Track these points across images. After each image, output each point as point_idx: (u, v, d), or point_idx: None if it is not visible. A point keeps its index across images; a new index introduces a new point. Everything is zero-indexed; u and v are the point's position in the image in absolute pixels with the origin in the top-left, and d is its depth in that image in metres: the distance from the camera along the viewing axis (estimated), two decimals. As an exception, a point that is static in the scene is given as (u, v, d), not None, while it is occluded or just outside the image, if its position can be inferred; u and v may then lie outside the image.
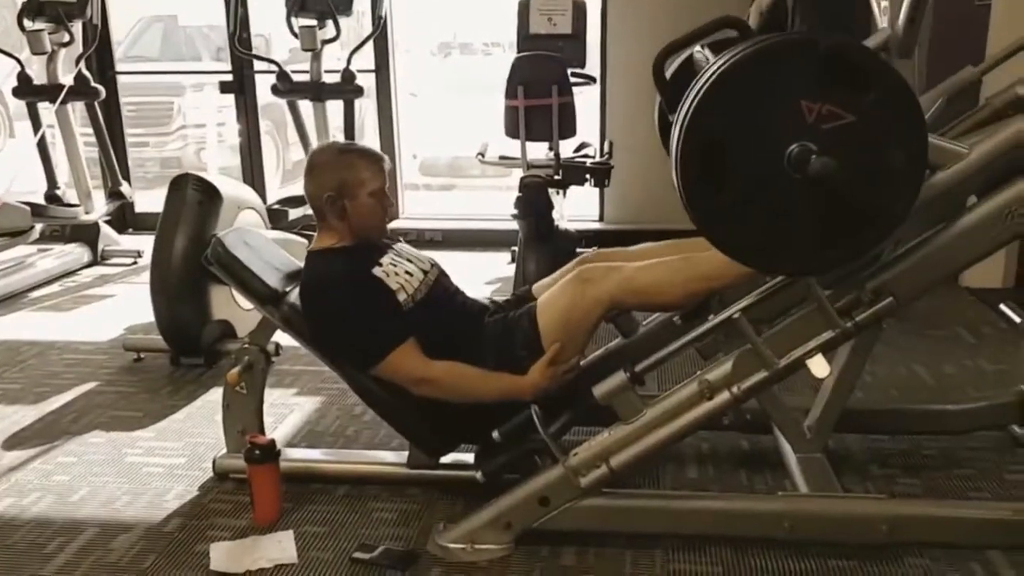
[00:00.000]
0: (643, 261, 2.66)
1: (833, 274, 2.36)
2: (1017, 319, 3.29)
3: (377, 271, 2.66)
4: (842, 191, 2.03)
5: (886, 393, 3.52)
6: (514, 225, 4.49)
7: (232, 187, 4.14)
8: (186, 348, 3.93)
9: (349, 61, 5.35)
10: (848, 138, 2.01)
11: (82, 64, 5.54)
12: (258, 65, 6.18)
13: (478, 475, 2.63)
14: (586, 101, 5.43)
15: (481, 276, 5.26)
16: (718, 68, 2.05)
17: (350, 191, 2.67)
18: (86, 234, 5.83)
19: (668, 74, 2.61)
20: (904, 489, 2.80)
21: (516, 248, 4.65)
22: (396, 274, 2.68)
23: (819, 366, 2.35)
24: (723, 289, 2.57)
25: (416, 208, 6.82)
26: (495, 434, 2.55)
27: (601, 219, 6.15)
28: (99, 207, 5.86)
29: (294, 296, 2.77)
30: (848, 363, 2.59)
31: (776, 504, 2.49)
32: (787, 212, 2.09)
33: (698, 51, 2.68)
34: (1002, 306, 3.54)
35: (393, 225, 5.96)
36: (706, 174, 2.08)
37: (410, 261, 2.78)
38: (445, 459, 2.84)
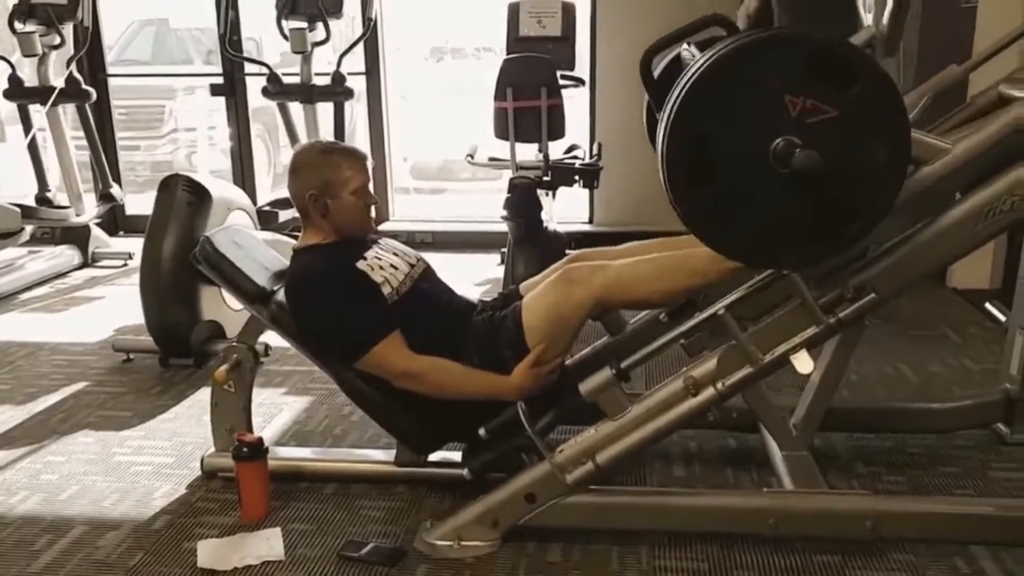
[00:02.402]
0: (629, 259, 2.67)
1: (817, 271, 2.38)
2: (1002, 318, 3.30)
3: (361, 264, 2.67)
4: (826, 185, 2.05)
5: (872, 392, 3.53)
6: (504, 227, 4.50)
7: (222, 188, 4.14)
8: (175, 349, 3.93)
9: (339, 63, 5.36)
10: (832, 132, 2.02)
11: (73, 66, 5.54)
12: (249, 68, 6.20)
13: (465, 472, 2.64)
14: (576, 103, 5.45)
15: (471, 277, 5.27)
16: (703, 64, 2.07)
17: (333, 190, 2.68)
18: (77, 236, 5.83)
19: (656, 73, 2.63)
20: (889, 487, 2.82)
21: (505, 249, 4.66)
22: (380, 267, 2.69)
23: (803, 362, 2.36)
24: (709, 286, 2.59)
25: (406, 211, 6.83)
26: (482, 431, 2.56)
27: (591, 221, 6.17)
28: (90, 209, 5.86)
29: (282, 295, 2.78)
30: (833, 361, 2.61)
31: (761, 501, 2.50)
32: (772, 206, 2.11)
33: (685, 49, 2.69)
34: (988, 305, 3.56)
35: (384, 227, 6.05)
36: (691, 169, 2.09)
37: (395, 255, 2.80)
38: (432, 457, 2.85)
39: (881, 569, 2.39)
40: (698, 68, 2.08)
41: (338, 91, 5.36)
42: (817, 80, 2.02)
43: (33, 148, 5.71)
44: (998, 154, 2.30)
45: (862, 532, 2.38)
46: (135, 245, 4.78)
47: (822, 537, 2.48)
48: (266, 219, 4.92)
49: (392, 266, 2.73)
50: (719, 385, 2.39)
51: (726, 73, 2.05)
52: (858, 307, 2.32)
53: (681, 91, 2.08)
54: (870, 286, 2.33)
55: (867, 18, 2.73)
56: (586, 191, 5.57)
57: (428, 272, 2.87)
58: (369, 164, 2.77)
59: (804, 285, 2.32)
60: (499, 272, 5.19)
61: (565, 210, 5.74)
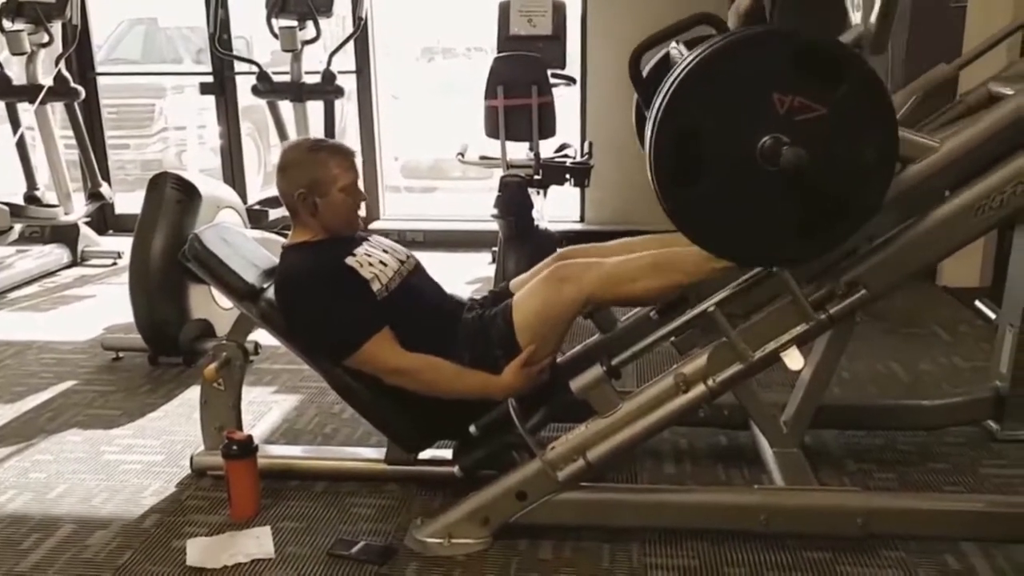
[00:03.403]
0: (618, 256, 2.67)
1: (808, 268, 2.38)
2: (992, 316, 3.31)
3: (350, 261, 2.66)
4: (814, 183, 2.05)
5: (863, 389, 3.54)
6: (495, 226, 4.49)
7: (211, 186, 4.13)
8: (165, 347, 3.91)
9: (329, 62, 5.37)
10: (820, 130, 2.03)
11: (61, 65, 5.52)
12: (239, 66, 6.18)
13: (456, 470, 2.64)
14: (566, 102, 5.45)
15: (462, 276, 5.26)
16: (692, 61, 2.07)
17: (321, 188, 2.68)
18: (66, 235, 5.80)
19: (645, 71, 2.63)
20: (880, 483, 2.82)
21: (496, 248, 4.65)
22: (370, 264, 2.68)
23: (794, 359, 2.36)
24: (698, 284, 2.59)
25: (397, 209, 6.82)
26: (472, 429, 2.56)
27: (582, 220, 6.17)
28: (79, 208, 5.84)
29: (271, 292, 2.77)
30: (823, 358, 2.61)
31: (752, 497, 2.51)
32: (760, 204, 2.11)
33: (674, 47, 2.69)
34: (978, 303, 3.57)
35: (374, 226, 6.04)
36: (680, 166, 2.09)
37: (385, 252, 2.79)
38: (423, 455, 2.84)
39: (872, 566, 2.39)
40: (686, 65, 2.08)
41: (328, 90, 5.36)
42: (806, 78, 2.02)
43: (22, 146, 5.69)
44: (989, 150, 2.31)
45: (853, 529, 2.38)
46: (124, 244, 4.76)
47: (813, 534, 2.48)
48: (256, 217, 4.91)
49: (382, 263, 2.72)
50: (710, 382, 2.39)
51: (714, 70, 2.06)
52: (849, 303, 2.32)
53: (669, 88, 2.08)
54: (861, 282, 2.33)
55: (855, 17, 2.73)
56: (577, 189, 5.56)
57: (418, 269, 2.87)
58: (357, 161, 2.77)
59: (794, 282, 2.32)
60: (490, 271, 5.19)
61: (556, 209, 5.74)
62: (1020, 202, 2.27)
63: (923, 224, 2.32)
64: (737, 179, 2.08)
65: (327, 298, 2.60)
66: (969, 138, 2.31)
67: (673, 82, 2.08)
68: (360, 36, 5.79)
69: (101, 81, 6.65)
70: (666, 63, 2.71)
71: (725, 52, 2.06)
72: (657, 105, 2.10)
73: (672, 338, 2.50)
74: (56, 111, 5.75)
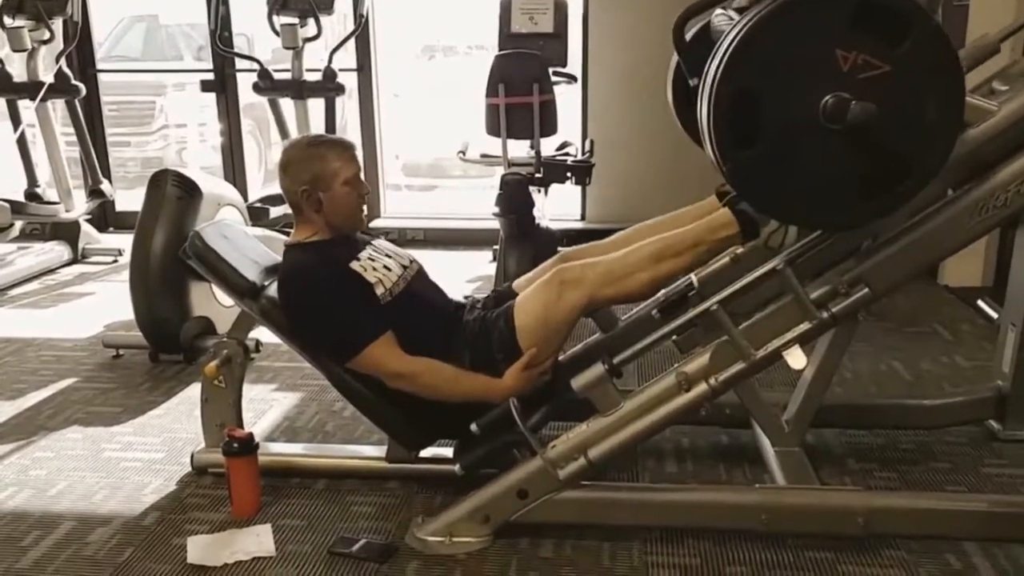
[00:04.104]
0: (617, 252, 2.66)
1: (810, 268, 2.38)
2: (994, 315, 3.31)
3: (355, 265, 2.66)
4: (878, 141, 2.03)
5: (864, 389, 3.54)
6: (495, 224, 4.49)
7: (212, 184, 4.12)
8: (165, 344, 3.91)
9: (330, 59, 5.37)
10: (884, 88, 2.00)
11: (62, 61, 5.51)
12: (240, 64, 6.17)
13: (457, 468, 2.63)
14: (568, 100, 5.44)
15: (463, 275, 5.26)
16: (750, 20, 2.04)
17: (324, 182, 2.67)
18: (66, 232, 5.80)
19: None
20: (881, 483, 2.82)
21: (497, 246, 4.65)
22: (374, 268, 2.67)
23: (796, 358, 2.36)
24: (697, 264, 2.58)
25: (398, 208, 6.81)
26: (473, 427, 2.55)
27: (583, 218, 6.16)
28: (79, 205, 5.83)
29: (273, 290, 2.76)
30: (825, 358, 2.60)
31: (753, 496, 2.50)
32: (822, 165, 2.09)
33: (719, 12, 2.65)
34: (980, 302, 3.56)
35: (375, 224, 6.04)
36: (739, 128, 2.07)
37: (389, 256, 2.78)
38: (424, 453, 2.84)
39: (873, 565, 2.39)
40: (744, 24, 2.05)
41: (329, 87, 5.36)
42: (869, 34, 1.99)
43: (22, 143, 5.68)
44: (992, 150, 2.30)
45: (854, 528, 2.38)
46: (125, 241, 4.75)
47: (814, 533, 2.48)
48: (256, 215, 4.91)
49: (385, 267, 2.71)
50: (712, 381, 2.39)
51: (774, 28, 2.03)
52: (852, 302, 2.32)
53: (727, 49, 2.05)
54: (863, 281, 2.32)
55: None
56: (578, 188, 5.55)
57: (421, 274, 2.86)
58: (358, 153, 2.76)
59: (797, 280, 2.32)
60: (491, 269, 5.18)
61: (557, 207, 5.73)
62: (1023, 201, 2.27)
63: (926, 223, 2.32)
64: (799, 140, 2.06)
65: (331, 301, 2.59)
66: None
67: (731, 43, 2.05)
68: (361, 34, 5.78)
69: (102, 78, 6.64)
70: (707, 31, 2.67)
71: (785, 9, 2.02)
72: (713, 68, 2.07)
73: (674, 337, 2.49)
74: (57, 108, 5.74)
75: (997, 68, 2.88)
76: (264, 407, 3.47)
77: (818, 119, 2.02)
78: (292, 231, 2.80)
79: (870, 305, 2.36)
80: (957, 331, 4.11)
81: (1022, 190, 2.26)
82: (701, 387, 2.40)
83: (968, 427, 3.10)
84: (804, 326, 2.34)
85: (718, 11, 2.60)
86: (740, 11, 2.36)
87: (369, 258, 2.72)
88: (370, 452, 2.99)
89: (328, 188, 2.67)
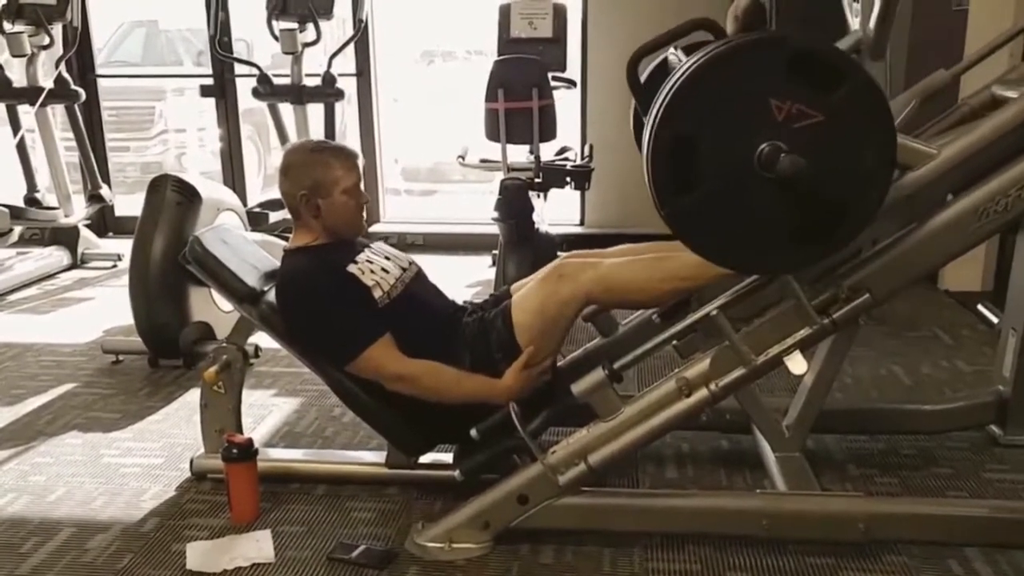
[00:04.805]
0: (619, 259, 2.67)
1: (813, 272, 2.37)
2: (995, 320, 3.31)
3: (352, 268, 2.66)
4: (812, 189, 2.04)
5: (865, 394, 3.53)
6: (495, 229, 4.49)
7: (212, 189, 4.12)
8: (165, 350, 3.91)
9: (329, 64, 5.36)
10: (817, 137, 2.02)
11: (62, 67, 5.51)
12: (239, 69, 6.17)
13: (456, 474, 2.62)
14: (567, 105, 5.44)
15: (462, 279, 5.26)
16: (689, 67, 2.06)
17: (324, 189, 2.67)
18: (66, 237, 5.79)
19: (643, 76, 2.62)
20: (882, 488, 2.81)
21: (497, 251, 4.65)
22: (372, 271, 2.67)
23: (797, 363, 2.35)
24: (698, 289, 2.58)
25: (397, 212, 6.81)
26: (473, 433, 2.54)
27: (582, 223, 6.17)
28: (79, 210, 5.83)
29: (272, 295, 2.76)
30: (826, 363, 2.60)
31: (754, 502, 2.50)
32: (758, 211, 2.10)
33: (672, 53, 2.68)
34: (980, 307, 3.56)
35: (374, 228, 6.04)
36: (677, 173, 2.08)
37: (387, 259, 2.78)
38: (423, 459, 2.84)
39: (874, 571, 2.38)
40: (684, 71, 2.07)
41: (329, 92, 5.36)
42: (802, 84, 2.01)
43: (22, 149, 5.68)
44: (990, 156, 2.30)
45: (855, 534, 2.38)
46: (124, 246, 4.75)
47: (815, 539, 2.47)
48: (256, 220, 4.91)
49: (383, 270, 2.71)
50: (712, 386, 2.38)
51: (711, 76, 2.05)
52: (852, 308, 2.31)
53: (666, 95, 2.07)
54: (864, 286, 2.32)
55: (854, 23, 2.72)
56: (577, 193, 5.55)
57: (420, 276, 2.86)
58: (360, 163, 2.76)
59: (798, 286, 2.31)
60: (490, 274, 5.18)
61: (556, 212, 5.73)
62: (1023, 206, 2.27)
63: (927, 228, 2.31)
64: (735, 186, 2.07)
65: (329, 305, 2.59)
66: (968, 144, 2.31)
67: (670, 88, 2.07)
68: (360, 39, 5.78)
69: (101, 83, 6.64)
70: (664, 69, 2.70)
71: (722, 58, 2.05)
72: (654, 111, 2.09)
73: (674, 342, 2.48)
74: (56, 113, 5.74)
75: (1000, 72, 2.90)
76: (263, 412, 3.47)
77: (754, 167, 2.03)
78: (291, 235, 2.80)
79: (871, 310, 2.36)
80: (958, 336, 4.11)
81: (1023, 195, 2.25)
82: (701, 392, 2.39)
83: (969, 432, 3.09)
84: (805, 332, 2.33)
85: (671, 50, 2.63)
86: (687, 52, 2.38)
87: (367, 261, 2.72)
88: (370, 458, 2.98)
89: (327, 195, 2.67)
